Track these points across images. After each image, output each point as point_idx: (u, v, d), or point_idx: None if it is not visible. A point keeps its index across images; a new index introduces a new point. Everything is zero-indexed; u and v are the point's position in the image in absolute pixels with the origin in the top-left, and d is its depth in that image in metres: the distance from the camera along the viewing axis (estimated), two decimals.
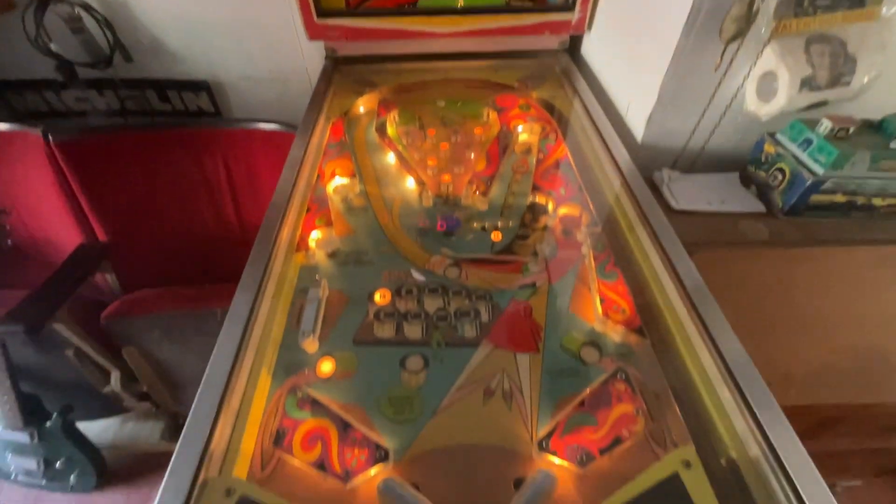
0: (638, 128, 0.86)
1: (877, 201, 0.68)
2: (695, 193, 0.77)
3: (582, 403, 0.50)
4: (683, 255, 0.61)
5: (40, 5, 1.01)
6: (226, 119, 1.11)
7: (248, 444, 0.49)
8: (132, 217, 1.16)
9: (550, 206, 0.78)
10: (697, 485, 0.42)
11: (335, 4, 1.03)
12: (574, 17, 1.06)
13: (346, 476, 0.45)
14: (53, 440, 1.19)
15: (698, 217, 0.74)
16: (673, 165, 0.84)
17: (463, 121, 1.00)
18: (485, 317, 0.62)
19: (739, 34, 0.69)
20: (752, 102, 0.74)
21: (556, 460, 0.46)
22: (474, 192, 0.80)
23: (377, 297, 0.65)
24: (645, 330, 0.58)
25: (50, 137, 1.00)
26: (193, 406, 0.45)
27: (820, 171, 0.66)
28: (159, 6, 1.06)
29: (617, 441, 0.47)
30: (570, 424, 0.49)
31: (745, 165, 0.82)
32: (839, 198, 0.68)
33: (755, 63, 0.72)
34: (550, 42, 1.13)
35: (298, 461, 0.46)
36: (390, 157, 0.90)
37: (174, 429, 1.42)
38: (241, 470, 0.46)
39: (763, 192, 0.77)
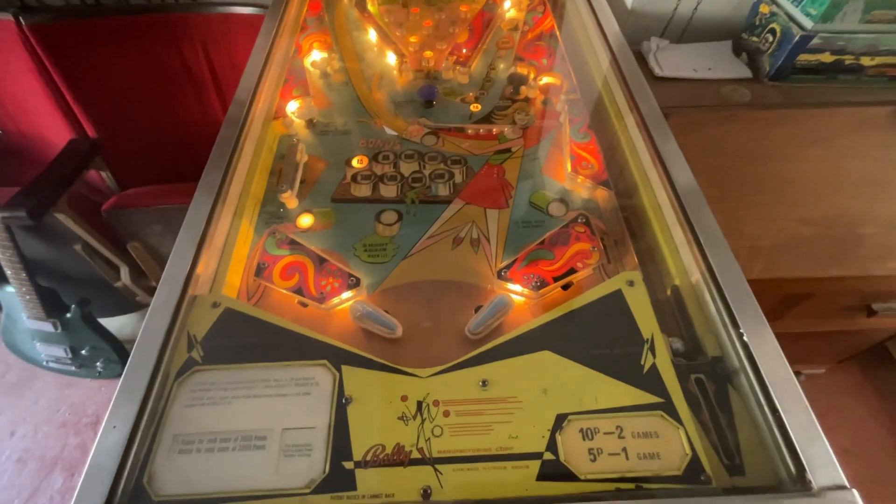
0: None
1: (865, 60, 0.66)
2: (682, 61, 0.74)
3: (542, 242, 0.54)
4: (660, 118, 0.61)
5: None
6: (200, 3, 1.06)
7: (234, 278, 0.53)
8: (119, 112, 1.15)
9: (531, 76, 0.77)
10: (637, 298, 0.46)
11: None
12: None
13: (322, 298, 0.49)
14: (76, 330, 1.29)
15: (683, 83, 0.72)
16: (662, 34, 0.80)
17: None
18: (459, 178, 0.64)
19: None
20: None
21: (512, 286, 0.50)
22: (454, 65, 0.78)
23: (354, 161, 0.66)
24: (611, 183, 0.60)
25: (22, 21, 0.97)
26: (178, 237, 0.49)
27: (809, 24, 0.63)
28: None
29: (571, 272, 0.51)
30: (529, 259, 0.52)
31: (740, 34, 0.78)
32: (826, 57, 0.66)
33: None
34: None
35: (278, 288, 0.51)
36: (371, 34, 0.86)
37: None
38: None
39: (753, 59, 0.74)
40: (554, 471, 0.36)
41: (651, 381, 0.41)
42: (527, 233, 0.57)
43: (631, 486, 0.36)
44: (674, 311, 0.49)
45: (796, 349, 1.16)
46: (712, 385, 0.41)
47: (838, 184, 0.71)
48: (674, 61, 0.74)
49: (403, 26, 0.87)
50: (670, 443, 0.38)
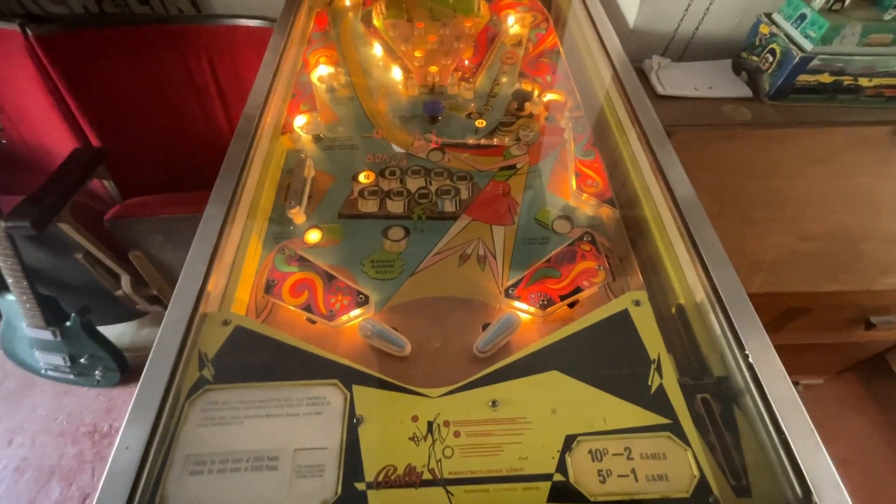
0: (631, 12, 0.83)
1: (863, 81, 0.67)
2: (683, 80, 0.76)
3: (548, 260, 0.54)
4: (662, 135, 0.62)
5: None
6: (206, 15, 1.07)
7: (243, 294, 0.53)
8: (123, 122, 1.16)
9: (536, 93, 0.78)
10: (644, 318, 0.47)
11: None
12: None
13: (331, 316, 0.50)
14: (76, 338, 1.28)
15: (684, 102, 0.74)
16: (664, 52, 0.82)
17: (452, 14, 0.95)
18: (465, 194, 0.65)
19: None
20: None
21: (520, 304, 0.51)
22: (459, 80, 0.79)
23: (361, 177, 0.67)
24: (615, 201, 0.61)
25: (28, 31, 0.97)
26: (190, 253, 0.49)
27: (809, 46, 0.65)
28: None
29: (577, 290, 0.51)
30: (535, 277, 0.53)
31: (740, 53, 0.79)
32: (825, 78, 0.67)
33: None
34: None
35: (287, 305, 0.51)
36: (376, 48, 0.87)
37: None
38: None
39: (753, 78, 0.75)
40: (564, 492, 0.37)
41: (658, 402, 0.41)
42: (532, 250, 0.58)
43: None
44: (678, 330, 0.49)
45: (795, 360, 1.16)
46: (718, 405, 0.42)
47: (837, 201, 0.73)
48: (675, 80, 0.76)
49: (409, 41, 0.88)
50: (678, 464, 0.38)
